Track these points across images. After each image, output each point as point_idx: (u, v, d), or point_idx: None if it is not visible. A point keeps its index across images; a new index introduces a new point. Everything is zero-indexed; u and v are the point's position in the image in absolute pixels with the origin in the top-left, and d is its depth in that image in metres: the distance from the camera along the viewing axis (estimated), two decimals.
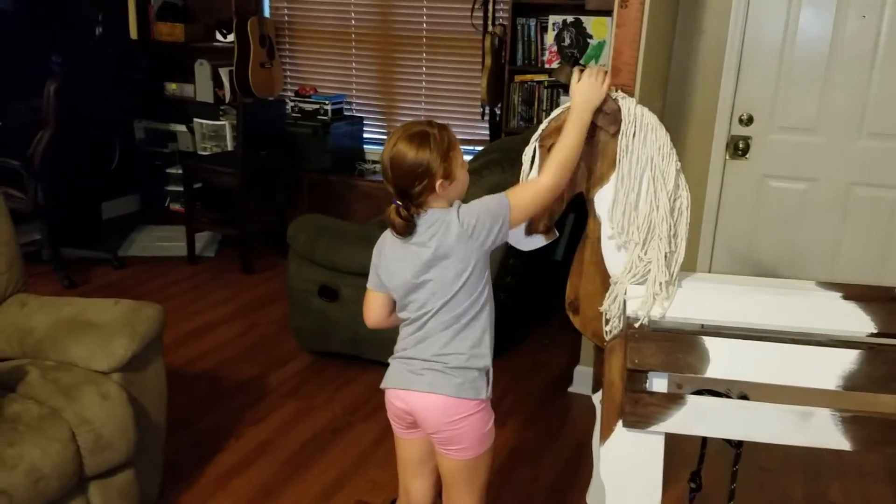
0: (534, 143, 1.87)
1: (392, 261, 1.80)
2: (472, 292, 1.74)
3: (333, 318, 3.39)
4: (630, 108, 1.78)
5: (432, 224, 1.72)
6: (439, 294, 1.74)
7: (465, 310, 1.75)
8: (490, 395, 1.83)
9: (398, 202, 1.72)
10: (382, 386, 1.87)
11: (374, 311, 1.90)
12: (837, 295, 1.79)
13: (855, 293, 1.79)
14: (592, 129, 1.80)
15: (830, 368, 1.70)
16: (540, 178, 1.74)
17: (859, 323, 1.74)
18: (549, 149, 1.81)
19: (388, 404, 1.88)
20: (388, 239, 1.81)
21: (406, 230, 1.72)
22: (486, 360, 1.81)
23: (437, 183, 1.69)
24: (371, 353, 3.34)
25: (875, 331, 1.73)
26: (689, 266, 2.68)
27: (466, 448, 1.81)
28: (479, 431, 1.81)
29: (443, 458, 1.85)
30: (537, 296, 4.07)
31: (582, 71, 1.79)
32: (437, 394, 1.76)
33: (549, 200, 1.76)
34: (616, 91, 1.82)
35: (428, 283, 1.74)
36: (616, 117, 1.79)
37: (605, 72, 1.79)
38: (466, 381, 1.77)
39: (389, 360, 1.88)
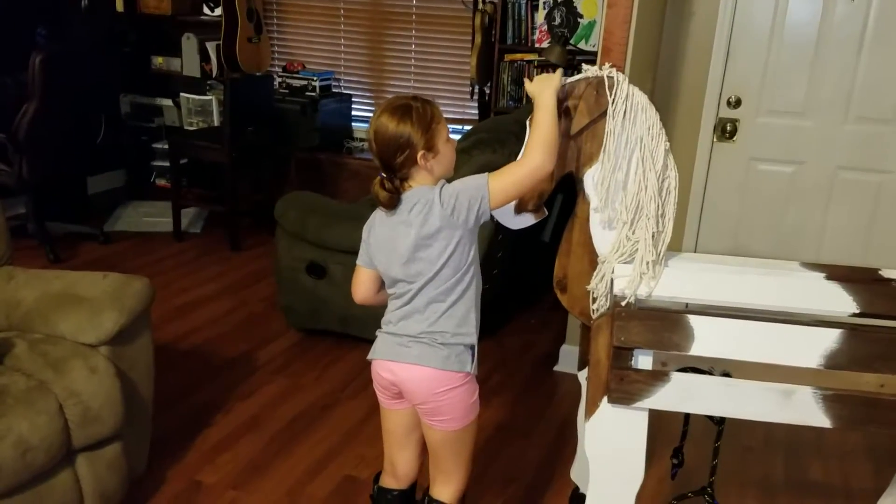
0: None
1: (381, 239, 1.83)
2: (456, 270, 1.77)
3: (322, 296, 3.40)
4: (621, 86, 1.79)
5: (417, 202, 1.75)
6: (425, 271, 1.77)
7: (450, 287, 1.78)
8: (475, 370, 1.86)
9: (383, 174, 1.77)
10: (369, 357, 1.90)
11: (362, 287, 1.93)
12: (821, 275, 1.82)
13: (838, 274, 1.82)
14: (581, 108, 1.81)
15: (813, 347, 1.72)
16: (521, 159, 1.75)
17: (842, 303, 1.76)
18: (566, 112, 1.82)
19: (374, 375, 1.92)
20: (377, 217, 1.85)
21: (390, 202, 1.76)
22: (472, 338, 1.84)
23: (419, 154, 1.73)
24: (360, 330, 3.35)
25: (857, 311, 1.76)
26: (675, 246, 2.70)
27: (451, 419, 1.85)
28: (464, 403, 1.84)
29: (428, 430, 1.89)
30: (525, 276, 4.09)
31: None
32: (424, 366, 1.80)
33: (534, 181, 1.75)
34: (608, 67, 1.82)
35: (414, 261, 1.77)
36: (604, 97, 1.79)
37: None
38: (453, 355, 1.80)
39: (377, 333, 1.91)
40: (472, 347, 1.84)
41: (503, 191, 1.72)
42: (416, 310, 1.81)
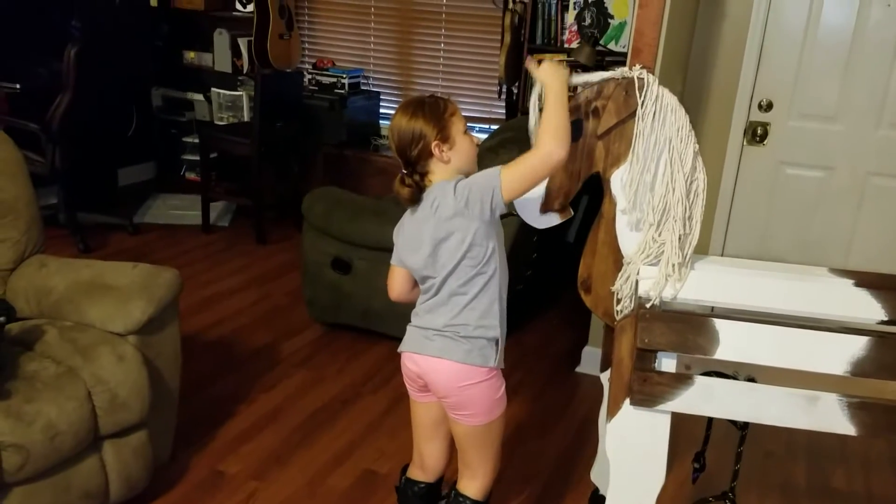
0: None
1: (408, 237, 1.86)
2: (476, 263, 1.78)
3: (346, 291, 3.42)
4: (651, 87, 1.78)
5: (436, 197, 1.78)
6: (447, 264, 1.79)
7: (470, 278, 1.79)
8: (501, 364, 1.87)
9: (403, 171, 1.81)
10: (399, 350, 1.93)
11: (396, 285, 1.97)
12: (849, 282, 1.80)
13: (867, 281, 1.80)
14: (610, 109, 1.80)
15: (839, 354, 1.71)
16: (533, 149, 1.72)
17: (870, 310, 1.74)
18: (595, 112, 1.82)
19: (403, 367, 1.94)
20: (405, 217, 1.88)
21: (411, 197, 1.80)
22: (495, 331, 1.84)
23: (433, 144, 1.76)
24: (382, 326, 3.37)
25: (886, 318, 1.74)
26: (701, 249, 2.68)
27: (476, 414, 1.85)
28: (488, 399, 1.85)
29: (454, 423, 1.90)
30: (548, 275, 4.09)
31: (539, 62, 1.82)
32: (446, 359, 1.81)
33: (548, 169, 1.71)
34: (639, 68, 1.81)
35: (436, 254, 1.79)
36: (633, 97, 1.79)
37: (562, 61, 1.81)
38: (475, 349, 1.81)
39: (409, 327, 1.93)
40: (495, 341, 1.84)
41: (516, 180, 1.70)
42: (440, 303, 1.83)
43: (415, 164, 1.79)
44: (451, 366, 1.81)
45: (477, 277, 1.79)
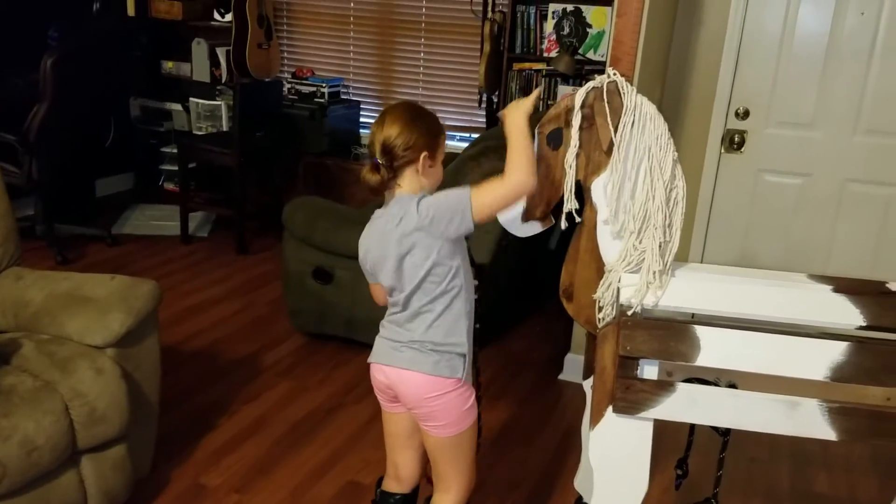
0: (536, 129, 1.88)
1: (375, 255, 1.84)
2: (440, 280, 1.79)
3: (329, 301, 3.41)
4: (630, 96, 1.79)
5: (399, 210, 1.78)
6: (411, 279, 1.79)
7: (435, 297, 1.80)
8: (469, 378, 1.88)
9: (378, 160, 1.76)
10: (369, 360, 1.94)
11: (379, 296, 1.97)
12: (828, 288, 1.81)
13: (845, 286, 1.81)
14: (591, 117, 1.81)
15: (819, 359, 1.72)
16: (503, 178, 1.76)
17: (849, 315, 1.76)
18: (547, 136, 1.83)
19: (372, 378, 1.95)
20: (365, 235, 1.87)
21: (378, 187, 1.78)
22: (463, 348, 1.85)
23: (422, 155, 1.77)
24: (365, 336, 3.34)
25: (864, 323, 1.75)
26: (682, 257, 2.70)
27: (446, 425, 1.86)
28: (457, 409, 1.86)
29: (426, 435, 1.91)
30: (531, 283, 4.09)
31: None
32: (415, 371, 1.82)
33: (518, 197, 1.77)
34: (617, 75, 1.82)
35: (401, 268, 1.79)
36: (616, 106, 1.80)
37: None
38: (443, 360, 1.82)
39: (377, 338, 1.94)
40: (464, 356, 1.86)
41: (486, 206, 1.74)
42: (407, 318, 1.84)
43: (395, 159, 1.76)
44: (420, 377, 1.82)
45: (442, 296, 1.80)
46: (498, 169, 3.21)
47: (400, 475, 2.03)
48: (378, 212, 1.85)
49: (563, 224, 1.87)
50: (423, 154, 1.77)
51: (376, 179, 1.78)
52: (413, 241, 1.76)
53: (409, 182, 1.80)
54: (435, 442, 1.89)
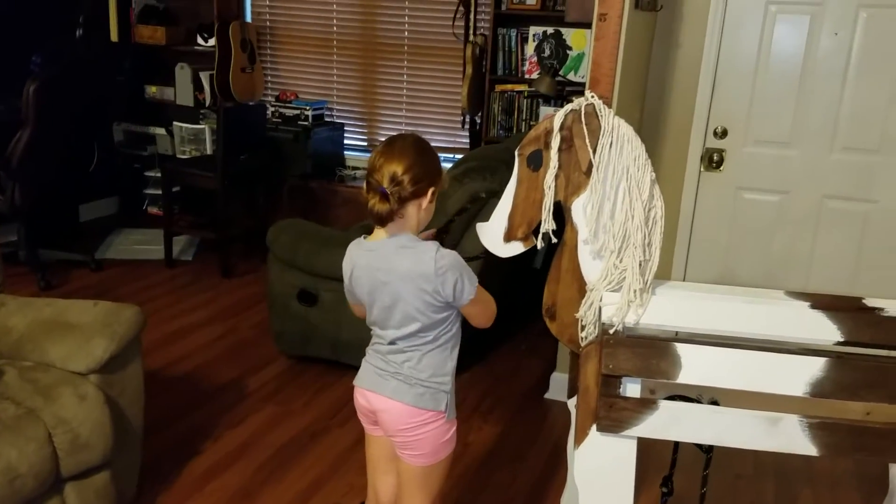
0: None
1: (364, 280, 1.85)
2: (433, 327, 1.82)
3: (313, 323, 3.40)
4: (607, 118, 1.82)
5: (404, 248, 1.78)
6: (401, 326, 1.82)
7: (427, 341, 1.84)
8: (451, 413, 1.90)
9: (386, 190, 1.73)
10: (354, 383, 1.95)
11: (361, 312, 1.97)
12: (805, 304, 1.84)
13: (823, 303, 1.84)
14: (570, 139, 1.84)
15: (799, 375, 1.74)
16: (489, 307, 1.94)
17: (826, 331, 1.78)
18: (527, 157, 1.86)
19: (355, 401, 1.96)
20: (355, 257, 1.87)
21: (386, 217, 1.76)
22: (447, 386, 1.88)
23: (430, 191, 1.78)
24: (350, 357, 3.35)
25: (842, 339, 1.78)
26: (663, 275, 2.73)
27: (422, 455, 1.88)
28: (436, 441, 1.87)
29: (399, 461, 1.92)
30: (516, 303, 4.10)
31: None
32: (397, 400, 1.84)
33: (486, 322, 1.94)
34: (595, 97, 1.85)
35: (394, 308, 1.81)
36: (594, 127, 1.82)
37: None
38: (427, 393, 1.85)
39: (363, 361, 1.95)
40: (447, 393, 1.88)
41: (479, 301, 1.85)
42: (393, 352, 1.86)
43: (403, 189, 1.73)
44: (402, 407, 1.84)
45: (434, 340, 1.84)
46: (481, 188, 3.24)
47: (380, 499, 2.04)
48: (374, 244, 1.83)
49: (540, 244, 1.89)
50: (431, 189, 1.79)
51: (386, 209, 1.74)
52: (415, 283, 1.77)
53: (409, 216, 1.80)
54: (407, 469, 1.91)
